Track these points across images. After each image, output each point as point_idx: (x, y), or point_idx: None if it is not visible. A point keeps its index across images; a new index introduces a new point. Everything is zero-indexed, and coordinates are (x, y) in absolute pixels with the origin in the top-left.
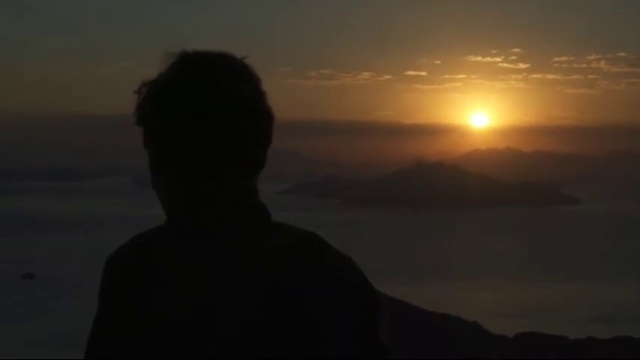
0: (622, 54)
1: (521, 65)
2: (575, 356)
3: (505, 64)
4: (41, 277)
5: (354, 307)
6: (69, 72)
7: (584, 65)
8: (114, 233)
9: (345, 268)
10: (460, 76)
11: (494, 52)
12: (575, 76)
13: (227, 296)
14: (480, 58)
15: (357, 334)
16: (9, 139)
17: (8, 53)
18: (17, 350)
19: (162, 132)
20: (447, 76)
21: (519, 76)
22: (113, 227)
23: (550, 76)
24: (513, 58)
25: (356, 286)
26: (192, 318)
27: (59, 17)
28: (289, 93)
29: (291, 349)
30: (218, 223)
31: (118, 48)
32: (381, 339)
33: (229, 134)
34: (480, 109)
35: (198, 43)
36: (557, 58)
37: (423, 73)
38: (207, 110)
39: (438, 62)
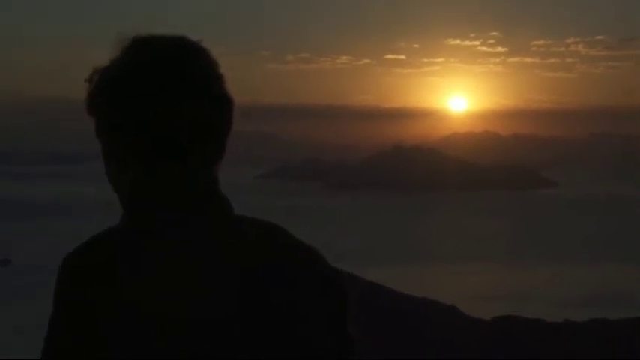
0: (600, 37)
1: (500, 49)
2: (551, 339)
3: (483, 48)
4: (18, 264)
5: (326, 301)
6: (62, 56)
7: (562, 49)
8: (103, 219)
9: (313, 261)
10: (439, 59)
11: (472, 35)
12: (553, 60)
13: (201, 297)
14: (458, 42)
15: (328, 328)
16: (0, 123)
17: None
18: None
19: (117, 120)
20: (425, 60)
21: (497, 60)
22: (100, 212)
23: (528, 60)
24: (492, 41)
25: (326, 279)
26: (167, 321)
27: (51, 2)
28: (268, 77)
29: (267, 346)
30: (182, 221)
31: (108, 32)
32: (348, 331)
33: (190, 120)
34: (458, 92)
35: (179, 29)
36: (535, 42)
37: (402, 57)
38: (166, 96)
39: (416, 46)
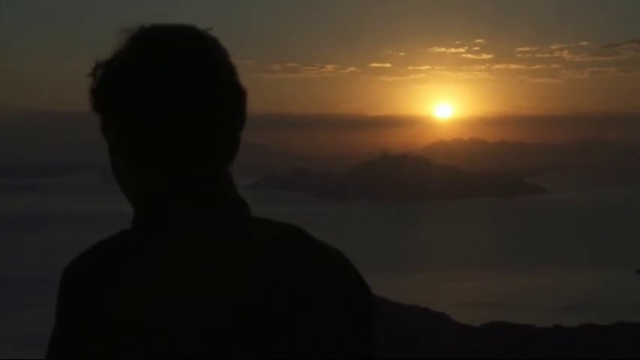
0: (584, 43)
1: (485, 56)
2: (541, 344)
3: (469, 55)
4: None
5: (353, 304)
6: (34, 69)
7: (547, 55)
8: (79, 231)
9: (340, 264)
10: (424, 67)
11: (457, 42)
12: (538, 66)
13: (205, 302)
14: (443, 49)
15: (354, 331)
16: None
17: None
18: None
19: (124, 120)
20: (411, 68)
21: (483, 67)
22: (79, 225)
23: (513, 66)
24: (477, 48)
25: (349, 281)
26: (170, 327)
27: (26, 15)
28: (254, 86)
29: (285, 348)
30: (198, 224)
31: (85, 43)
32: (373, 336)
33: (204, 119)
34: (444, 100)
35: None
36: (519, 49)
37: (388, 65)
38: (180, 89)
39: (402, 54)
